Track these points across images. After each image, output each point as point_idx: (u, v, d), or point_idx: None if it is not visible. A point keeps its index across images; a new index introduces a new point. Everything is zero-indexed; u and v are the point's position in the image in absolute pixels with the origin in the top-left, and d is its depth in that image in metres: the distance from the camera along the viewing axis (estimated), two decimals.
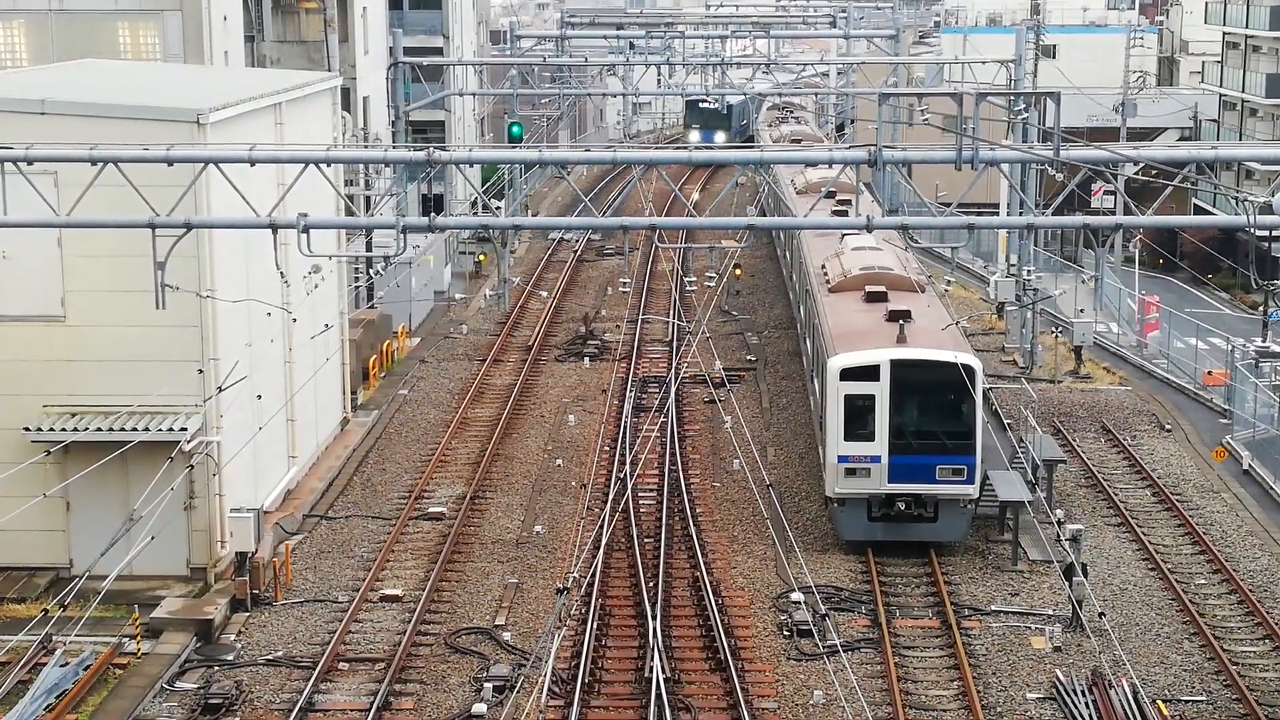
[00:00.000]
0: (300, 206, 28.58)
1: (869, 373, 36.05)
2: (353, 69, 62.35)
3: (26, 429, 33.52)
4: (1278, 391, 45.65)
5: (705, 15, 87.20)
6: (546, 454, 44.63)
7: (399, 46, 59.37)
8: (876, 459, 35.99)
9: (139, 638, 31.23)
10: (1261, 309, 54.76)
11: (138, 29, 49.46)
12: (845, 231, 46.04)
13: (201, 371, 33.86)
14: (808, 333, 46.29)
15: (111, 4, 49.12)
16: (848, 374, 36.17)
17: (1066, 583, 32.83)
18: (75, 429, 33.30)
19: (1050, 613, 33.30)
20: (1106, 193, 69.03)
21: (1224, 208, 71.11)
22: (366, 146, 58.21)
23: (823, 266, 44.60)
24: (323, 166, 28.18)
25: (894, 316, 37.97)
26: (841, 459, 36.14)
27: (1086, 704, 28.72)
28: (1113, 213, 62.49)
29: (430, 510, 39.62)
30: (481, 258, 71.79)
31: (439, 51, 74.97)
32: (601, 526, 36.02)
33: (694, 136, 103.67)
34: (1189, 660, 31.23)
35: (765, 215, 67.54)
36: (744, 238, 33.12)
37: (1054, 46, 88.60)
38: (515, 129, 63.01)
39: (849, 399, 36.09)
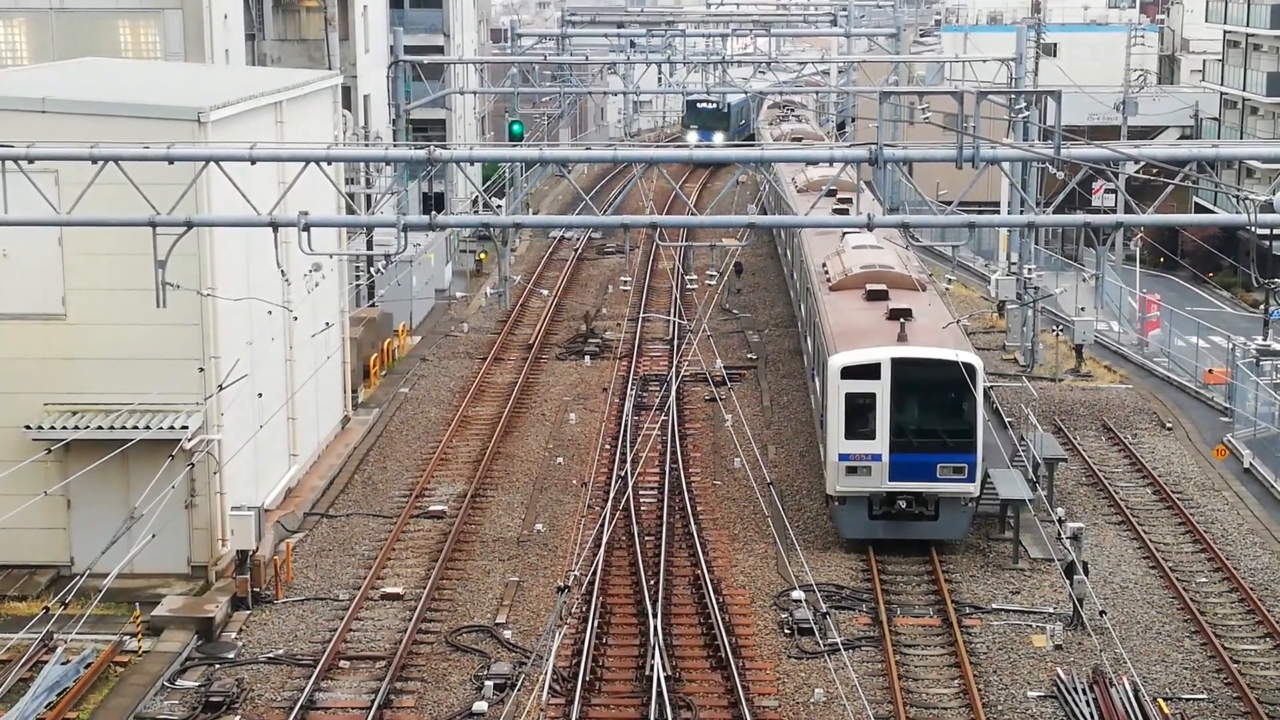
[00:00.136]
0: (301, 205, 28.54)
1: (870, 371, 36.04)
2: (353, 67, 62.29)
3: (27, 427, 33.51)
4: (1278, 390, 45.62)
5: (706, 13, 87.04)
6: (547, 452, 44.62)
7: (399, 45, 59.43)
8: (877, 457, 35.97)
9: (140, 636, 31.23)
10: (1262, 307, 54.77)
11: (138, 27, 49.46)
12: (846, 230, 46.06)
13: (202, 370, 33.85)
14: (808, 331, 46.28)
15: (112, 2, 49.10)
16: (848, 372, 36.16)
17: (1067, 581, 32.83)
18: (76, 427, 33.29)
19: (1051, 611, 33.30)
20: (1107, 191, 68.96)
21: (1225, 206, 71.12)
22: (367, 145, 58.19)
23: (823, 265, 44.58)
24: (323, 165, 28.19)
25: (895, 315, 37.95)
26: (842, 457, 36.14)
27: (1087, 702, 28.71)
28: (1114, 211, 62.50)
29: (431, 508, 39.62)
30: (482, 256, 71.79)
31: (440, 50, 74.99)
32: (602, 525, 35.99)
33: (692, 137, 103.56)
34: (1190, 658, 31.23)
35: (766, 214, 67.48)
36: (745, 236, 33.06)
37: (1055, 45, 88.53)
38: (516, 127, 63.02)
39: (850, 397, 36.08)
